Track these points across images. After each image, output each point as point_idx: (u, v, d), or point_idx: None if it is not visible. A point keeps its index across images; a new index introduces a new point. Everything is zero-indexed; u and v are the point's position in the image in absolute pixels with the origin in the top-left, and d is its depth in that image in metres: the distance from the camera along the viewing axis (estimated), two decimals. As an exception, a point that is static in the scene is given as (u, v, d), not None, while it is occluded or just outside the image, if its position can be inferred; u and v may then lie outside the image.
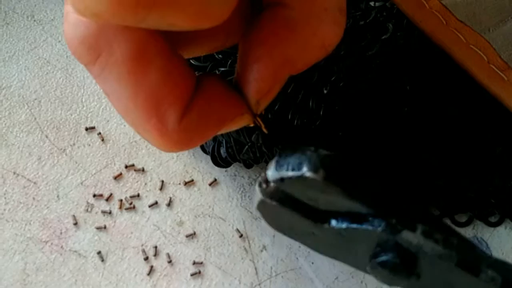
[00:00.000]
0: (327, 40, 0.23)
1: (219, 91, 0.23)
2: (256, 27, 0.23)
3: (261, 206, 0.22)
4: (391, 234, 0.20)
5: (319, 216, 0.21)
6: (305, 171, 0.19)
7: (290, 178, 0.20)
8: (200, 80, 0.23)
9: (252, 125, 0.24)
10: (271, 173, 0.21)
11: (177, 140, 0.22)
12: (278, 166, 0.20)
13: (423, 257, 0.20)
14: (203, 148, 0.37)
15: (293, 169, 0.20)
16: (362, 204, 0.20)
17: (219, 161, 0.36)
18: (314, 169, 0.19)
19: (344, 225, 0.21)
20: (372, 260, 0.21)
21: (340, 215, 0.21)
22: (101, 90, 0.39)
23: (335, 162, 0.20)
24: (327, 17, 0.22)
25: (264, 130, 0.25)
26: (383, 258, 0.20)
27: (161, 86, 0.21)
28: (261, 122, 0.24)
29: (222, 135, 0.35)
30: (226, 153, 0.36)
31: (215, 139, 0.36)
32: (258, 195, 0.22)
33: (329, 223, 0.21)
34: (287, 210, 0.21)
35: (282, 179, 0.20)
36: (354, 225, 0.20)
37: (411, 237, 0.20)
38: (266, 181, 0.21)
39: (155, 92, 0.21)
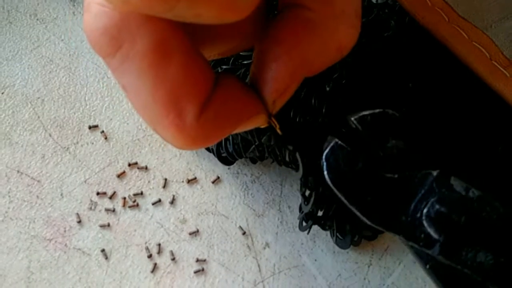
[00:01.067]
0: (343, 43, 0.23)
1: (236, 89, 0.23)
2: (274, 27, 0.23)
3: (330, 153, 0.25)
4: (444, 177, 0.24)
5: (382, 164, 0.25)
6: (387, 109, 0.25)
7: (373, 114, 0.24)
8: (218, 78, 0.23)
9: (266, 125, 0.24)
10: (356, 114, 0.24)
11: (194, 136, 0.22)
12: (360, 111, 0.24)
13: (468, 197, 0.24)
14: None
15: (376, 109, 0.24)
16: (424, 148, 0.25)
17: (226, 156, 0.36)
18: (394, 109, 0.25)
19: (401, 173, 0.24)
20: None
21: (398, 164, 0.25)
22: (105, 88, 0.40)
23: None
24: (344, 19, 0.23)
25: (278, 131, 0.25)
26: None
27: (181, 81, 0.21)
28: (276, 123, 0.24)
29: None
30: (232, 148, 0.36)
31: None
32: (330, 141, 0.25)
33: (390, 171, 0.25)
34: (355, 154, 0.25)
35: (365, 117, 0.24)
36: (412, 172, 0.24)
37: (458, 183, 0.24)
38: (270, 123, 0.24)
39: (175, 87, 0.20)
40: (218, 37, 0.24)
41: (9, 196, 0.37)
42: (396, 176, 0.24)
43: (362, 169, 0.24)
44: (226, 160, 0.37)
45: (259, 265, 0.36)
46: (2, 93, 0.39)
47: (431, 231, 0.24)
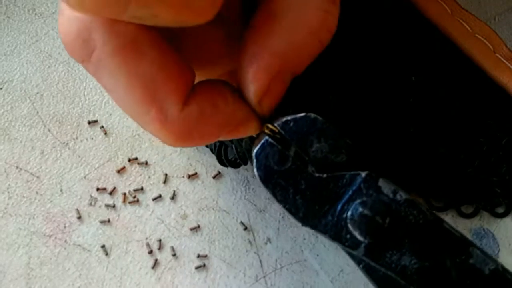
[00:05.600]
0: (314, 26, 0.22)
1: (226, 93, 0.23)
2: (246, 28, 0.23)
3: (260, 151, 0.25)
4: (372, 178, 0.24)
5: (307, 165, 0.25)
6: (310, 113, 0.24)
7: (295, 118, 0.24)
8: (212, 81, 0.23)
9: (258, 132, 0.25)
10: (280, 120, 0.24)
11: (179, 130, 0.22)
12: (284, 115, 0.24)
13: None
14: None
15: (299, 113, 0.24)
16: (350, 151, 0.24)
17: (226, 163, 0.36)
18: (316, 114, 0.24)
19: (330, 173, 0.24)
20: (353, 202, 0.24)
21: (323, 166, 0.25)
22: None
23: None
24: (311, 4, 0.22)
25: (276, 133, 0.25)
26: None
27: (156, 77, 0.21)
28: (273, 128, 0.24)
29: (231, 140, 0.35)
30: (237, 155, 0.35)
31: (221, 142, 0.36)
32: (261, 139, 0.25)
33: (318, 170, 0.25)
34: (284, 153, 0.24)
35: (288, 122, 0.24)
36: (341, 173, 0.24)
37: (386, 186, 0.24)
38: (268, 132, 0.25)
39: (150, 83, 0.21)
40: (212, 59, 0.25)
41: (8, 192, 0.37)
42: (324, 176, 0.24)
43: (291, 168, 0.24)
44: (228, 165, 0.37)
45: (260, 261, 0.36)
46: (1, 88, 0.39)
47: (355, 233, 0.24)
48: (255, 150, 0.25)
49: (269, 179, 0.25)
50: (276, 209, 0.37)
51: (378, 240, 0.24)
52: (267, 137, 0.24)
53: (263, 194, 0.37)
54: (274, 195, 0.25)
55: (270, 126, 0.24)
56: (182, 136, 0.22)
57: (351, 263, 0.35)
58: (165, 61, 0.21)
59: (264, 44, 0.22)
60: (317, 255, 0.36)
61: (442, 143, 0.34)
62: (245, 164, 0.36)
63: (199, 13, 0.18)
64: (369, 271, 0.25)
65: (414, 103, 0.35)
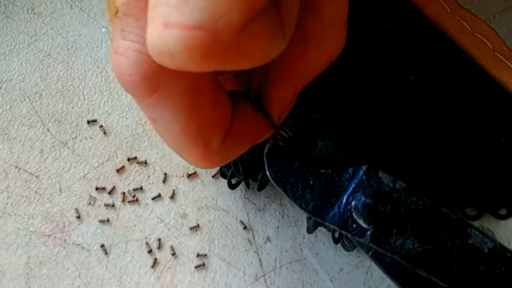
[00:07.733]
0: (333, 53, 0.25)
1: (250, 113, 0.25)
2: None
3: (270, 153, 0.27)
4: (373, 171, 0.26)
5: (315, 163, 0.27)
6: (313, 115, 0.27)
7: (301, 120, 0.27)
8: (233, 105, 0.24)
9: (270, 136, 0.27)
10: (287, 122, 0.26)
11: (217, 160, 0.24)
12: (291, 116, 0.26)
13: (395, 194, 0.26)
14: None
15: (304, 115, 0.27)
16: (351, 147, 0.27)
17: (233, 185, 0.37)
18: (320, 115, 0.27)
19: (335, 168, 0.27)
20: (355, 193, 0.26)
21: (328, 162, 0.27)
22: (103, 82, 0.39)
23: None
24: (333, 33, 0.24)
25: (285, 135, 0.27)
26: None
27: (210, 115, 0.22)
28: (284, 134, 0.27)
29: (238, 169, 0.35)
30: (227, 181, 0.36)
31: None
32: (270, 143, 0.27)
33: (324, 167, 0.27)
34: (292, 153, 0.27)
35: (294, 124, 0.27)
36: (344, 167, 0.26)
37: (386, 176, 0.26)
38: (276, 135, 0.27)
39: (205, 121, 0.22)
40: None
41: (7, 192, 0.37)
42: (330, 171, 0.26)
43: (299, 166, 0.27)
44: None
45: (260, 260, 0.36)
46: (0, 88, 0.39)
47: (360, 221, 0.25)
48: (265, 151, 0.27)
49: (279, 178, 0.27)
50: (275, 208, 0.37)
51: (381, 227, 0.25)
52: (276, 140, 0.26)
53: (262, 193, 0.37)
54: (285, 192, 0.27)
55: (281, 132, 0.27)
56: (219, 163, 0.24)
57: (351, 261, 0.35)
58: (217, 99, 0.23)
59: (294, 68, 0.24)
60: (317, 254, 0.36)
61: (442, 143, 0.34)
62: (234, 187, 0.36)
63: (269, 60, 0.19)
64: (377, 258, 0.26)
65: (414, 102, 0.35)
